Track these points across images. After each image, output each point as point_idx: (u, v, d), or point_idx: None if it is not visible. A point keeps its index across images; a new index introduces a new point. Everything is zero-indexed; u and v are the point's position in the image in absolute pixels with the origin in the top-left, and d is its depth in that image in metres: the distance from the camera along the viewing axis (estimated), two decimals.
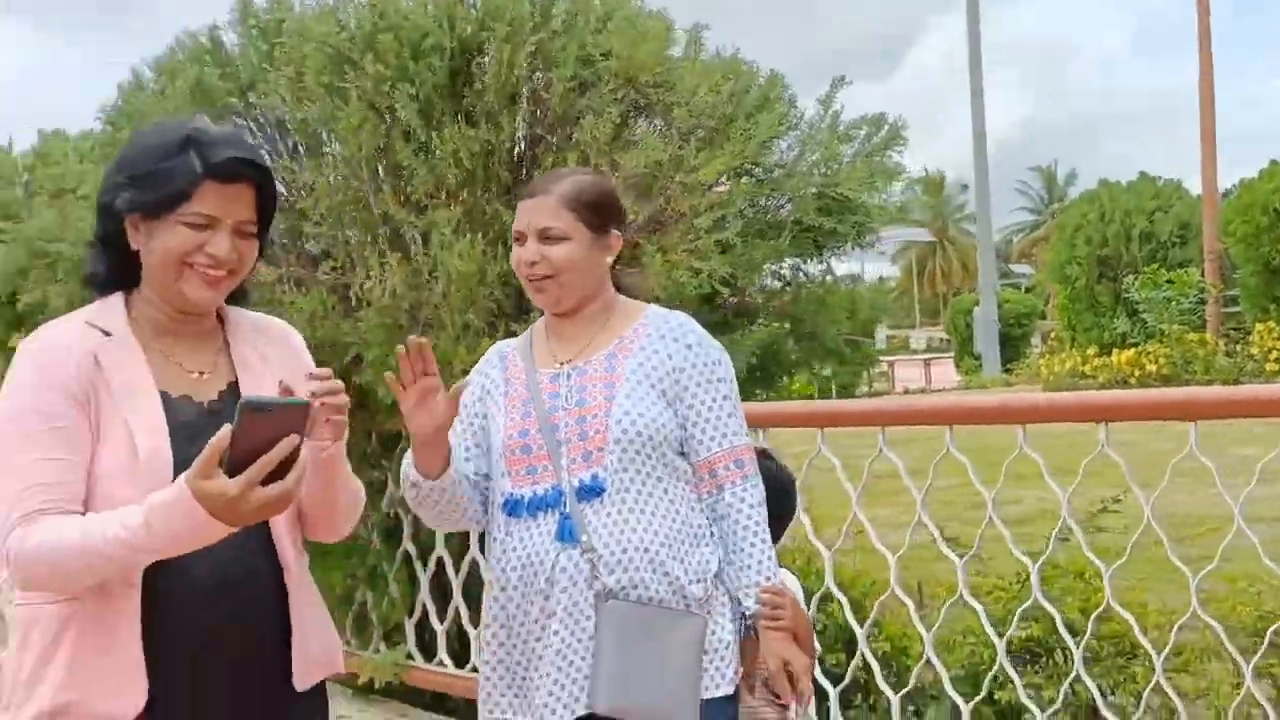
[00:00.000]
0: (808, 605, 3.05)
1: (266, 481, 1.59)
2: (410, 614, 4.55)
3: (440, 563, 4.36)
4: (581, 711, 2.16)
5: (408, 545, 4.49)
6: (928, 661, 3.39)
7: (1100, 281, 22.21)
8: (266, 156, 4.56)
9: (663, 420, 2.23)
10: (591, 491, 2.19)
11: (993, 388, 20.42)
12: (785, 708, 2.38)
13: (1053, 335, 25.01)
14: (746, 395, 4.49)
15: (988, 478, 3.22)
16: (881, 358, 31.67)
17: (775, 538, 2.38)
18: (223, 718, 1.79)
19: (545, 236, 2.27)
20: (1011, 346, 28.45)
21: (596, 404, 2.23)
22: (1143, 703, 3.16)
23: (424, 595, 4.46)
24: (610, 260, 2.36)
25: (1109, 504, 4.22)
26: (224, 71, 4.59)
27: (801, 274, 4.92)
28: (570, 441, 2.22)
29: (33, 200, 7.86)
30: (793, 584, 2.60)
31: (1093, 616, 3.09)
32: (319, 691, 1.96)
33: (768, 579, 2.24)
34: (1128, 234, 22.42)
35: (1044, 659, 3.77)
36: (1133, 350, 17.08)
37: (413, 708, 4.70)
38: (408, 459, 2.22)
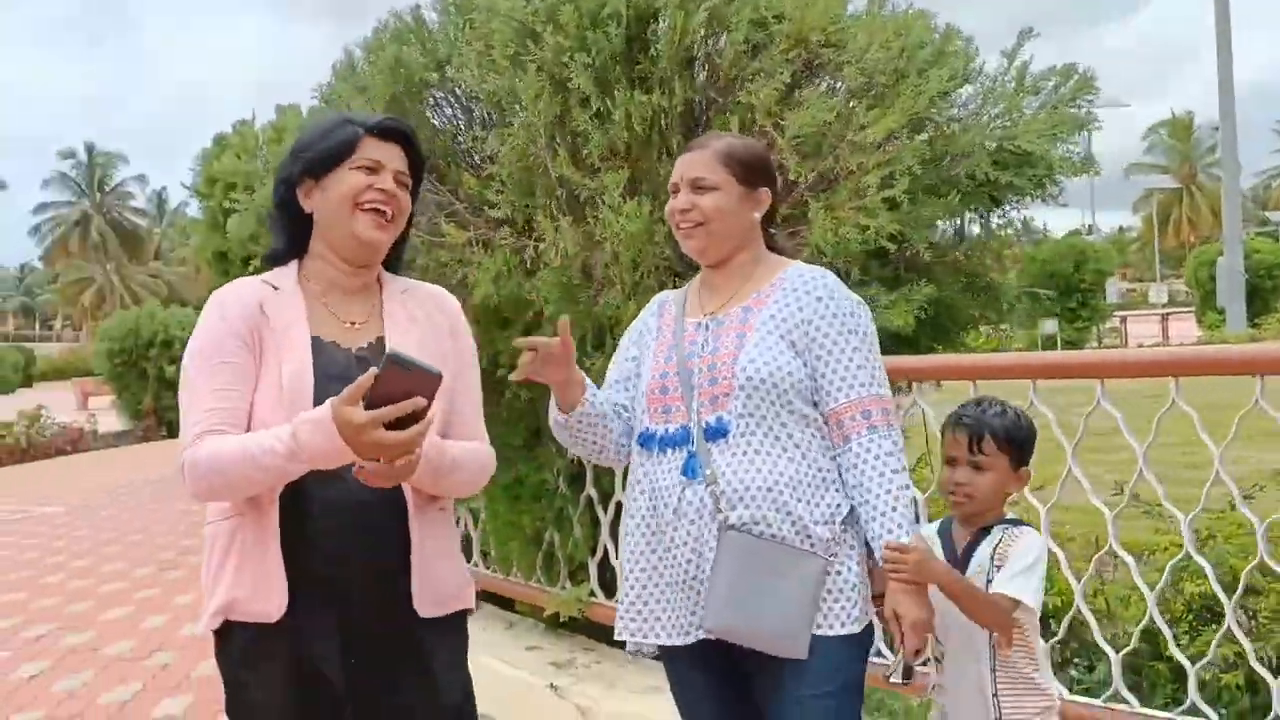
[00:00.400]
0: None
1: (391, 428, 1.85)
2: (593, 554, 4.82)
3: (620, 507, 4.56)
4: (699, 636, 2.32)
5: (590, 490, 4.76)
6: (1095, 613, 3.38)
7: None
8: (461, 126, 4.88)
9: (789, 369, 2.32)
10: (717, 432, 2.33)
11: (1234, 344, 19.18)
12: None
13: None
14: (920, 350, 4.52)
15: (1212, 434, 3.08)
16: (1116, 313, 30.10)
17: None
18: (353, 627, 2.08)
19: (697, 186, 2.43)
20: (1261, 300, 26.63)
21: (726, 352, 2.37)
22: None
23: (604, 537, 4.70)
24: (759, 216, 2.49)
25: None
26: (424, 48, 4.89)
27: (977, 227, 4.86)
28: (701, 386, 2.37)
29: (267, 172, 8.51)
30: (1031, 539, 2.39)
31: (1244, 572, 3.02)
32: (452, 622, 2.21)
33: (890, 532, 2.27)
34: None
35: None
36: None
37: (597, 642, 4.96)
38: (552, 408, 2.47)
